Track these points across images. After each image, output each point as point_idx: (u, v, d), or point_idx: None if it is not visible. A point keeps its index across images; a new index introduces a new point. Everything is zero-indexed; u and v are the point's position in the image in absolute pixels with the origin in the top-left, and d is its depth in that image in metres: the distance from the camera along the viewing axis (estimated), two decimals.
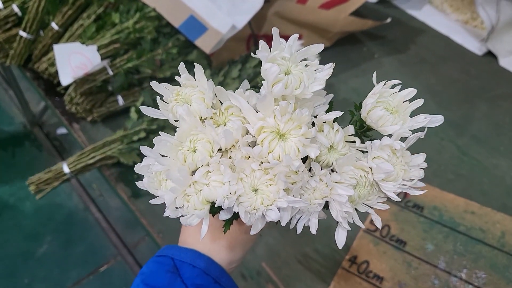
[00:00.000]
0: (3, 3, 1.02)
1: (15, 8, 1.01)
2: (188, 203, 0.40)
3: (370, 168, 0.41)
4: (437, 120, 0.42)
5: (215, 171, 0.40)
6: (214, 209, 0.41)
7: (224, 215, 0.41)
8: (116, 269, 1.59)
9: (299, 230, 0.43)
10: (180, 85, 0.44)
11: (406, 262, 0.75)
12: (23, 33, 0.99)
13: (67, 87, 0.99)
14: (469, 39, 1.16)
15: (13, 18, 1.02)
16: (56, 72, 0.96)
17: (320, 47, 0.41)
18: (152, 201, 0.43)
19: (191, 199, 0.40)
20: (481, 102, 1.02)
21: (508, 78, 1.07)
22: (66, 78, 0.94)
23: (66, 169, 0.90)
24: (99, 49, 0.95)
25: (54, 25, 0.99)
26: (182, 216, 0.41)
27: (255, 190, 0.39)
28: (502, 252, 0.75)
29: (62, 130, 1.94)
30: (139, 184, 0.44)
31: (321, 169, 0.41)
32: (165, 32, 1.00)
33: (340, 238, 0.43)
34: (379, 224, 0.44)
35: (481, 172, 0.87)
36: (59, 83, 0.98)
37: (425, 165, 0.43)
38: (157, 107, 0.44)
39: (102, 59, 0.95)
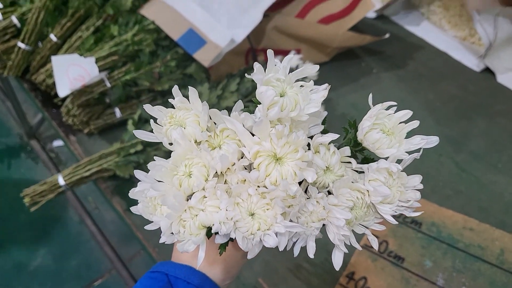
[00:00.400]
0: (2, 14, 1.02)
1: (14, 19, 1.01)
2: (184, 228, 0.39)
3: (367, 190, 0.41)
4: (432, 141, 0.43)
5: (211, 196, 0.39)
6: (210, 233, 0.40)
7: (220, 239, 0.41)
8: (111, 284, 1.56)
9: (296, 253, 0.42)
10: (174, 108, 0.43)
11: (404, 278, 0.74)
12: (21, 45, 0.99)
13: (64, 99, 0.98)
14: (467, 55, 1.17)
15: (12, 29, 1.02)
16: (54, 83, 0.96)
17: (315, 68, 0.41)
18: (147, 227, 0.42)
19: (187, 224, 0.39)
20: (479, 119, 1.01)
21: (506, 94, 1.07)
22: (63, 90, 0.94)
23: (61, 181, 0.89)
24: (97, 61, 0.95)
25: (52, 36, 0.99)
26: (178, 241, 0.40)
27: (252, 215, 0.39)
28: (501, 269, 0.74)
29: (58, 142, 1.93)
30: (133, 209, 0.43)
31: (318, 192, 0.41)
32: (164, 45, 1.00)
33: (337, 260, 0.43)
34: (375, 246, 0.43)
35: (480, 188, 0.87)
36: (56, 95, 0.98)
37: (421, 186, 0.42)
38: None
39: (100, 71, 0.95)
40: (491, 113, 1.03)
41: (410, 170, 0.88)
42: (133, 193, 0.43)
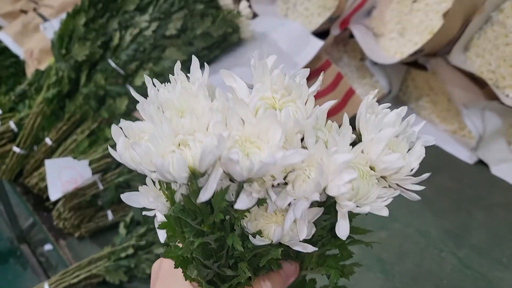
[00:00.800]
0: (1, 120, 1.04)
1: (12, 125, 1.03)
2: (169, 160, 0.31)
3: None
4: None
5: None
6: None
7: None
8: None
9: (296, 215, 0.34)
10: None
11: None
12: (16, 149, 1.00)
13: (55, 202, 0.97)
14: (459, 148, 1.18)
15: (9, 134, 1.04)
16: (46, 186, 0.95)
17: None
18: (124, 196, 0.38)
19: (174, 157, 0.31)
20: (477, 211, 1.00)
21: (501, 186, 1.07)
22: (55, 193, 0.93)
23: None
24: (90, 163, 0.95)
25: (48, 140, 1.00)
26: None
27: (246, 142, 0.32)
28: None
29: (49, 246, 1.88)
30: (111, 152, 0.37)
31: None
32: None
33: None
34: None
35: (487, 286, 0.83)
36: (48, 198, 0.96)
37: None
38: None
39: (93, 173, 0.95)
40: (489, 205, 1.01)
41: (411, 266, 0.84)
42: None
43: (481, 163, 1.13)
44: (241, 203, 0.32)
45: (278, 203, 0.33)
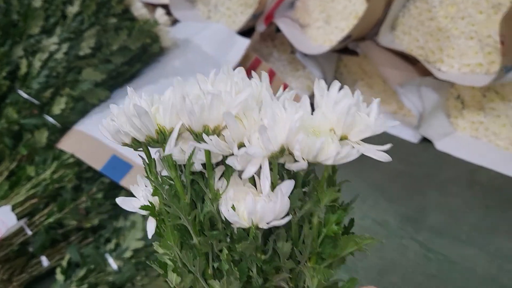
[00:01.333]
0: None
1: None
2: None
3: None
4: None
5: None
6: None
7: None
8: None
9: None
10: None
11: None
12: None
13: None
14: (402, 128, 1.16)
15: None
16: None
17: None
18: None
19: None
20: (431, 191, 0.98)
21: (449, 161, 1.06)
22: None
23: None
24: (14, 208, 0.85)
25: None
26: None
27: None
28: None
29: None
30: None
31: None
32: (87, 177, 0.92)
33: None
34: None
35: (451, 267, 0.80)
36: None
37: None
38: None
39: (19, 218, 0.85)
40: (440, 183, 1.00)
41: (374, 259, 0.80)
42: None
43: (425, 140, 1.12)
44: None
45: (240, 163, 0.32)
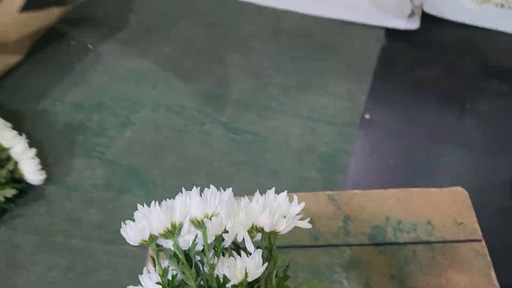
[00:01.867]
0: None
1: None
2: None
3: None
4: None
5: None
6: None
7: None
8: None
9: None
10: None
11: None
12: None
13: None
14: None
15: None
16: None
17: None
18: None
19: None
20: (233, 54, 0.80)
21: (249, 11, 0.88)
22: None
23: None
24: None
25: None
26: None
27: None
28: None
29: None
30: None
31: None
32: None
33: None
34: None
35: (262, 147, 0.67)
36: None
37: None
38: None
39: None
40: (243, 42, 0.83)
41: (174, 164, 0.62)
42: None
43: None
44: None
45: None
